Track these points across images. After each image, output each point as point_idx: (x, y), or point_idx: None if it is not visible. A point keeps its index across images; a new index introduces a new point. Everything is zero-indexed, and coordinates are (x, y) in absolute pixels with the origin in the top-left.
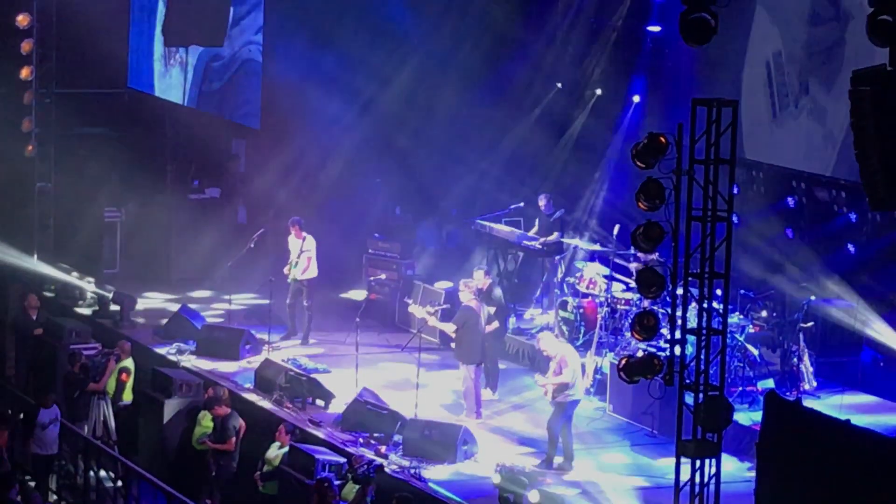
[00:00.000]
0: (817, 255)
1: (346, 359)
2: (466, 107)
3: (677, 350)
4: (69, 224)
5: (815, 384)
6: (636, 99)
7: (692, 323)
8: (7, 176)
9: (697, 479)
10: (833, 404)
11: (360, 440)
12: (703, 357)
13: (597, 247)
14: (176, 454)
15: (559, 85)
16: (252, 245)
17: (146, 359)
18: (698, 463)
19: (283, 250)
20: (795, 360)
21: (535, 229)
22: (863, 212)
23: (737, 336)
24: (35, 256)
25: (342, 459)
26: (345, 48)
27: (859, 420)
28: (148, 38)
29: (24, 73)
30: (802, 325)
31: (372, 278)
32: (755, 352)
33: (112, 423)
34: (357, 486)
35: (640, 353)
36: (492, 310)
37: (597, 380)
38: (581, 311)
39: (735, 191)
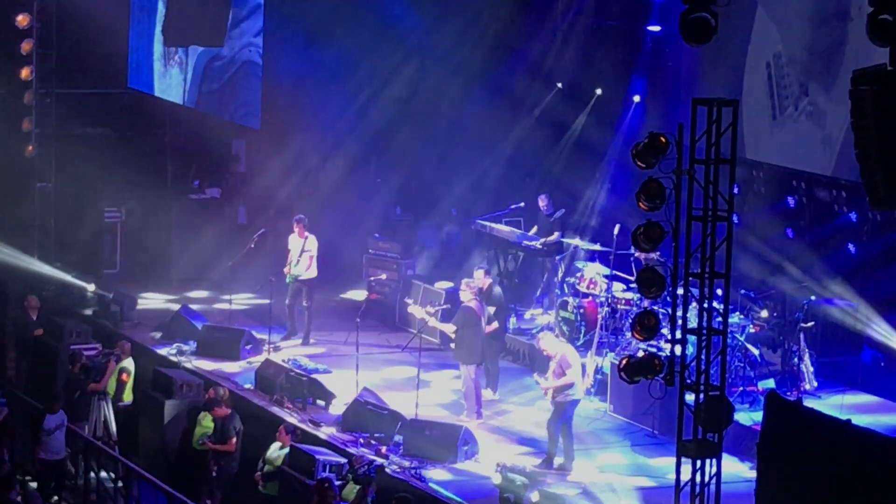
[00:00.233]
0: (817, 255)
1: (347, 359)
2: (466, 107)
3: (678, 350)
4: (69, 224)
5: (815, 384)
6: (636, 99)
7: (693, 323)
8: (7, 176)
9: (698, 480)
10: (834, 404)
11: (361, 440)
12: (703, 357)
13: (597, 247)
14: (176, 455)
15: (559, 85)
16: (252, 245)
17: (146, 359)
18: (699, 463)
19: (283, 250)
20: (796, 359)
21: (535, 229)
22: (863, 212)
23: (737, 336)
24: (35, 256)
25: (343, 460)
26: (345, 48)
27: (860, 420)
28: (148, 38)
29: (24, 73)
30: (803, 324)
31: (372, 278)
32: (756, 352)
33: (112, 424)
34: (357, 487)
35: (640, 353)
36: (492, 310)
37: (597, 380)
38: (581, 311)
39: (735, 191)
